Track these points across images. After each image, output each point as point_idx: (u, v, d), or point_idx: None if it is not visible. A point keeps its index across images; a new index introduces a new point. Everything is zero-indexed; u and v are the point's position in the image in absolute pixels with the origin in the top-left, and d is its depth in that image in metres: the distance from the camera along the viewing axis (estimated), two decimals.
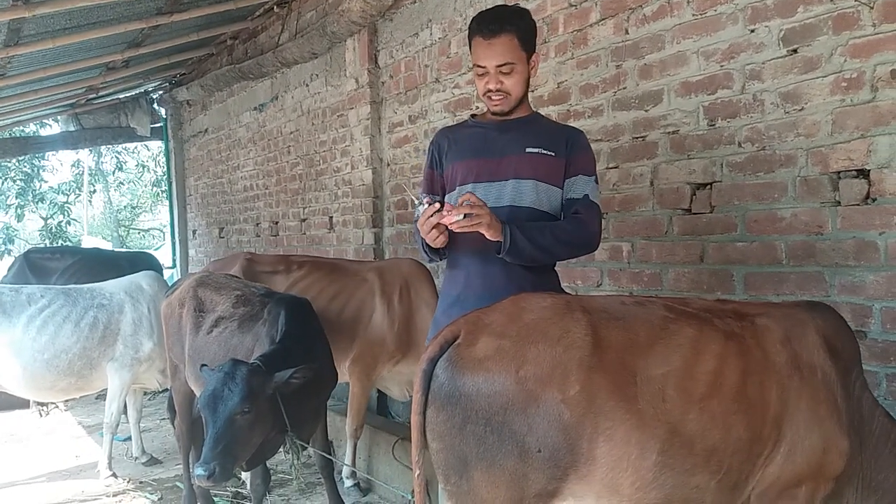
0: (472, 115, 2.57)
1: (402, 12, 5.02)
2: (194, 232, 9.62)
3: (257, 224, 7.65)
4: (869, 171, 2.52)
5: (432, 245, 2.24)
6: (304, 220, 6.69)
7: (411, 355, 4.03)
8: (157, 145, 15.86)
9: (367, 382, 4.11)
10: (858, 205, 2.55)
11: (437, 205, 2.12)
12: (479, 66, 2.31)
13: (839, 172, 2.61)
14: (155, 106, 9.97)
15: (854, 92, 2.55)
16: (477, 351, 1.76)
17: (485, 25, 2.29)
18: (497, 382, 1.71)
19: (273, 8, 6.64)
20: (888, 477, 1.92)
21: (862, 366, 1.99)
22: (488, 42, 2.27)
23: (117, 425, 4.66)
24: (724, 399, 1.75)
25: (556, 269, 2.46)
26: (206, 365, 2.94)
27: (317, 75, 6.26)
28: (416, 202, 2.19)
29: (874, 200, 2.51)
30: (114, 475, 4.52)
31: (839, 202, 2.61)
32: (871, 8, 2.49)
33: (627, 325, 1.81)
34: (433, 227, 2.15)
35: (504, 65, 2.28)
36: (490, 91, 2.32)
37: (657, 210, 3.28)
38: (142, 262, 6.87)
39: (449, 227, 2.13)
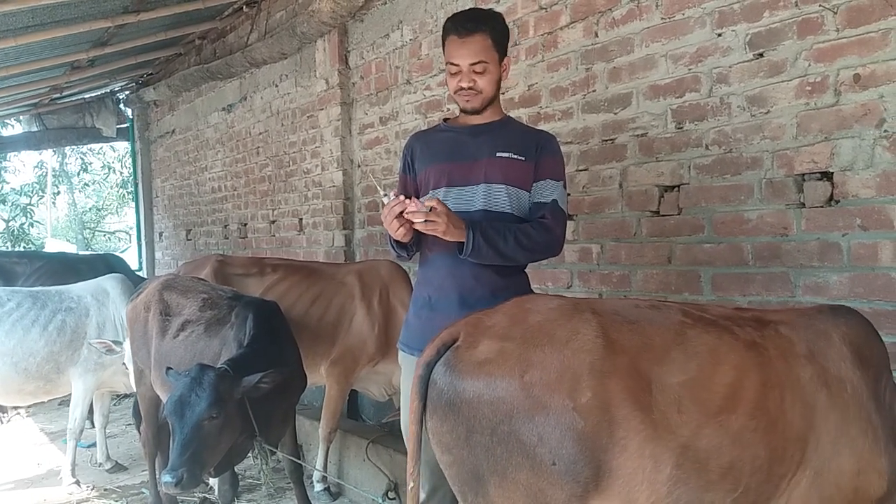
0: (445, 120, 2.56)
1: (373, 13, 4.99)
2: (161, 234, 9.47)
3: (225, 226, 7.56)
4: (832, 173, 2.57)
5: (395, 237, 2.23)
6: (273, 221, 6.62)
7: (390, 356, 4.02)
8: (123, 146, 15.57)
9: (345, 385, 4.09)
10: (822, 206, 2.60)
11: (402, 198, 2.12)
12: (452, 64, 2.32)
13: (804, 175, 2.65)
14: (121, 106, 9.78)
15: (818, 96, 2.59)
16: (478, 354, 1.64)
17: (460, 24, 2.31)
18: (500, 388, 1.58)
19: (242, 8, 6.57)
20: None
21: (891, 371, 1.86)
22: (462, 40, 2.29)
23: (81, 431, 4.56)
24: (743, 414, 1.62)
25: (525, 270, 2.47)
26: (171, 368, 2.89)
27: (286, 76, 6.21)
28: (383, 194, 2.18)
29: (837, 202, 2.56)
30: (77, 482, 4.42)
31: (804, 204, 2.65)
32: (835, 13, 2.54)
33: (641, 329, 1.68)
34: (395, 218, 2.13)
35: (477, 63, 2.29)
36: (462, 89, 2.32)
37: (626, 212, 3.30)
38: (108, 264, 6.74)
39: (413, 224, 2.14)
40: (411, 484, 1.76)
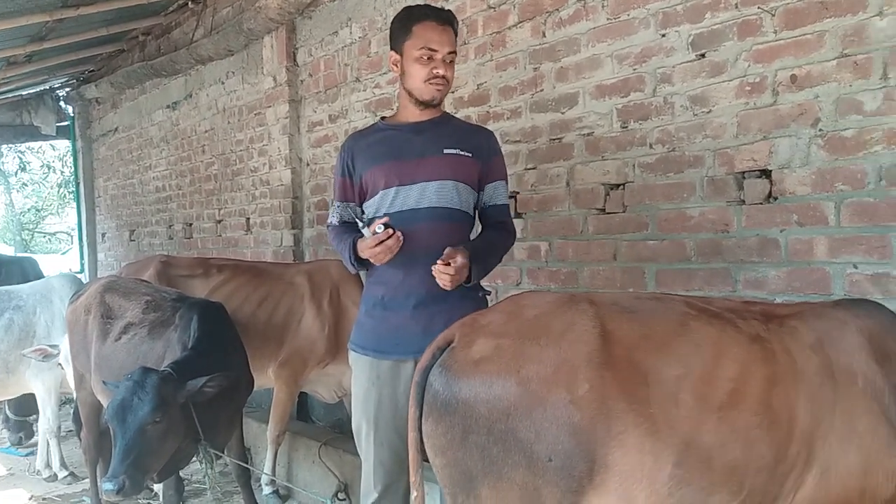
0: (382, 118, 2.54)
1: (322, 10, 4.94)
2: (103, 235, 9.21)
3: (170, 226, 7.39)
4: (771, 171, 2.64)
5: (375, 263, 2.27)
6: (219, 221, 6.50)
7: (341, 358, 3.97)
8: (63, 144, 15.11)
9: (294, 387, 4.03)
10: (761, 203, 2.67)
11: (390, 231, 2.15)
12: (429, 49, 2.28)
13: (744, 173, 2.72)
14: (61, 103, 9.48)
15: (757, 95, 2.66)
16: (473, 353, 1.61)
17: (439, 13, 2.35)
18: (497, 385, 1.55)
19: (187, 3, 6.43)
20: None
21: None
22: (443, 27, 2.31)
23: (59, 428, 4.59)
24: (746, 410, 1.55)
25: None
26: (107, 382, 2.83)
27: (233, 73, 6.10)
28: (362, 225, 2.23)
29: (775, 199, 2.63)
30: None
31: (744, 201, 2.72)
32: (773, 15, 2.61)
33: (640, 320, 1.64)
34: (387, 252, 2.18)
35: (452, 52, 2.33)
36: (437, 76, 2.30)
37: (573, 210, 3.34)
38: (22, 269, 6.54)
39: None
40: (415, 493, 1.74)
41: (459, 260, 2.13)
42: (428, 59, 2.29)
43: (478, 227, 2.50)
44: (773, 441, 1.55)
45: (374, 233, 2.16)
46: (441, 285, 2.17)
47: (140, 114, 7.91)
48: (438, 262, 2.13)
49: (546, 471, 1.51)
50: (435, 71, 2.29)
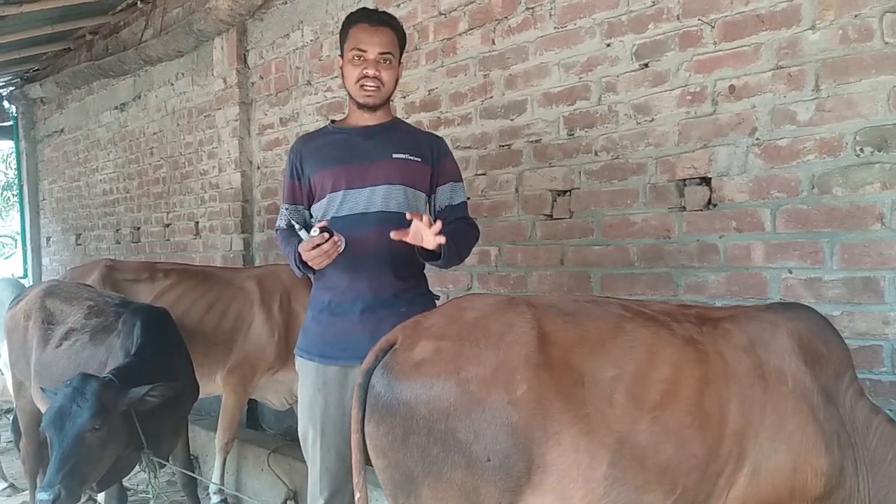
0: (332, 122, 2.54)
1: (273, 13, 4.91)
2: (48, 239, 8.96)
3: (117, 230, 7.23)
4: (710, 178, 2.71)
5: (314, 267, 2.23)
6: (167, 225, 6.38)
7: (291, 364, 3.92)
8: (7, 145, 14.64)
9: (242, 394, 3.97)
10: (701, 210, 2.74)
11: (326, 235, 2.11)
12: (359, 51, 2.29)
13: (685, 180, 2.79)
14: (4, 103, 9.21)
15: (697, 105, 2.74)
16: (415, 355, 1.64)
17: (371, 15, 2.36)
18: (437, 387, 1.58)
19: (136, 3, 6.33)
20: (893, 493, 1.69)
21: (855, 371, 1.83)
22: (375, 28, 2.31)
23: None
24: (679, 410, 1.60)
25: (426, 272, 2.48)
26: (45, 389, 2.75)
27: (183, 74, 6.00)
28: (298, 228, 2.20)
29: (715, 206, 2.70)
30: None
31: (685, 208, 2.79)
32: (713, 27, 2.68)
33: (577, 322, 1.68)
34: (325, 257, 2.14)
35: (386, 53, 2.31)
36: (367, 77, 2.30)
37: (522, 215, 3.38)
38: None
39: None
40: (358, 494, 1.74)
41: (426, 217, 2.09)
42: (359, 59, 2.30)
43: None
44: (705, 440, 1.60)
45: (311, 236, 2.14)
46: (426, 245, 2.08)
47: (87, 114, 7.73)
48: (408, 217, 2.08)
49: (484, 471, 1.53)
50: (365, 71, 2.30)
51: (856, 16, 2.36)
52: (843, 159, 2.40)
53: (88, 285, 3.79)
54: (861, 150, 2.36)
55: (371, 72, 2.30)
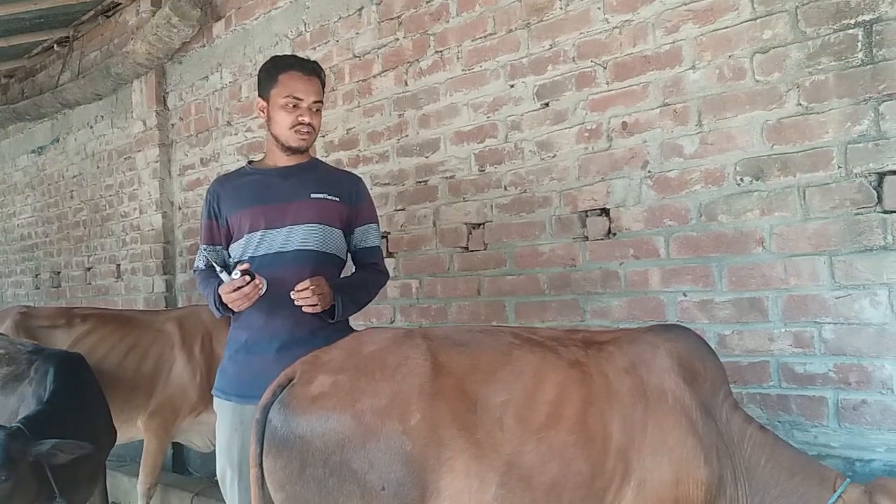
0: (250, 162, 2.59)
1: (191, 56, 4.94)
2: None
3: (37, 275, 7.01)
4: (609, 209, 2.88)
5: (235, 310, 2.26)
6: (89, 269, 6.24)
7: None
8: None
9: (165, 437, 3.89)
10: (602, 239, 2.90)
11: (247, 277, 2.14)
12: (294, 98, 2.35)
13: (586, 211, 2.94)
14: None
15: (594, 141, 2.91)
16: (312, 389, 1.68)
17: (304, 63, 2.42)
18: (332, 419, 1.62)
19: (53, 47, 6.25)
20: (767, 496, 1.76)
21: (729, 386, 1.93)
22: (308, 77, 2.39)
23: None
24: (563, 430, 1.66)
25: None
26: None
27: (102, 117, 5.94)
28: (219, 271, 2.21)
29: (614, 235, 2.86)
30: None
31: (587, 237, 2.94)
32: (605, 68, 2.87)
33: (470, 352, 1.74)
34: (245, 300, 2.18)
35: (318, 101, 2.41)
36: (303, 124, 2.37)
37: (440, 248, 3.48)
38: None
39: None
40: None
41: (314, 280, 2.20)
42: (294, 106, 2.37)
43: (351, 270, 2.57)
44: (590, 457, 1.67)
45: (232, 279, 2.16)
46: (309, 310, 2.21)
47: (3, 159, 7.53)
48: (293, 292, 2.19)
49: (380, 499, 1.58)
50: (301, 118, 2.37)
51: (730, 56, 2.57)
52: (726, 188, 2.59)
53: (1, 333, 3.69)
54: (741, 179, 2.56)
55: (307, 119, 2.38)
